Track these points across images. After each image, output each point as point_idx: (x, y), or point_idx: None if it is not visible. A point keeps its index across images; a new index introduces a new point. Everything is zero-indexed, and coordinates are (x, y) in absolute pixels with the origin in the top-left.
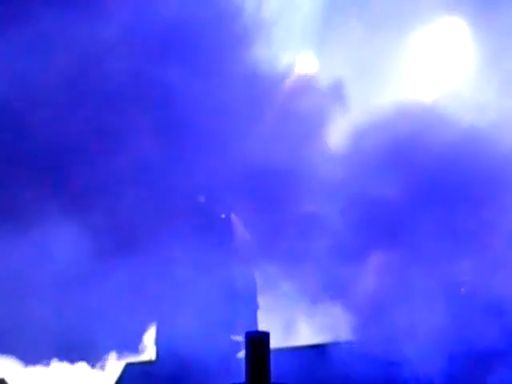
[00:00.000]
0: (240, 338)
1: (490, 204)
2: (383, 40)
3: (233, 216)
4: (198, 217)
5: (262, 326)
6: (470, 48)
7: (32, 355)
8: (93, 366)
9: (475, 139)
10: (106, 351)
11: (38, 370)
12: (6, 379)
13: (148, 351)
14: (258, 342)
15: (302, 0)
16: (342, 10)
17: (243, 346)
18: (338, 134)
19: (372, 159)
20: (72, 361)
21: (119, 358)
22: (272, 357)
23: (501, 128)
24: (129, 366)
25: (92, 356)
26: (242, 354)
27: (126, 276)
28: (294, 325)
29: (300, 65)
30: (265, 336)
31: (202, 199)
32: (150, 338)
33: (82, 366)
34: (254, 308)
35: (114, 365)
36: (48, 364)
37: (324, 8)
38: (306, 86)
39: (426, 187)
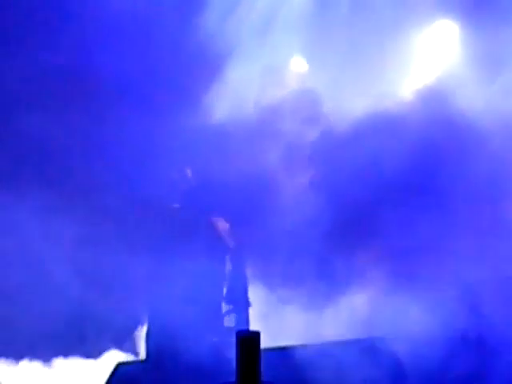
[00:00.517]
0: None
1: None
2: (375, 44)
3: (215, 219)
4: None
5: (253, 325)
6: (460, 49)
7: (17, 351)
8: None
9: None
10: (96, 347)
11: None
12: None
13: (139, 349)
14: (248, 341)
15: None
16: (333, 13)
17: (233, 345)
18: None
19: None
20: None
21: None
22: (264, 356)
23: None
24: (120, 365)
25: (78, 353)
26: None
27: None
28: (288, 323)
29: (292, 68)
30: (256, 335)
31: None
32: (140, 335)
33: (63, 363)
34: (245, 306)
35: (104, 362)
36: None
37: (314, 11)
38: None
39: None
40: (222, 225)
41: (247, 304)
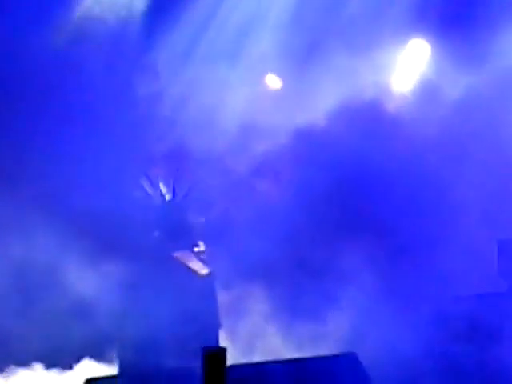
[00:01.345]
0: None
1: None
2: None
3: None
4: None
5: (223, 344)
6: (430, 64)
7: None
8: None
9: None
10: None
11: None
12: None
13: (111, 365)
14: (214, 357)
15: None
16: (310, 28)
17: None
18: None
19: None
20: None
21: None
22: (232, 372)
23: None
24: (91, 381)
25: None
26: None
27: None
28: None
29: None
30: (221, 351)
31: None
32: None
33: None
34: (215, 326)
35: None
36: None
37: (292, 28)
38: None
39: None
40: (192, 253)
41: (217, 325)
